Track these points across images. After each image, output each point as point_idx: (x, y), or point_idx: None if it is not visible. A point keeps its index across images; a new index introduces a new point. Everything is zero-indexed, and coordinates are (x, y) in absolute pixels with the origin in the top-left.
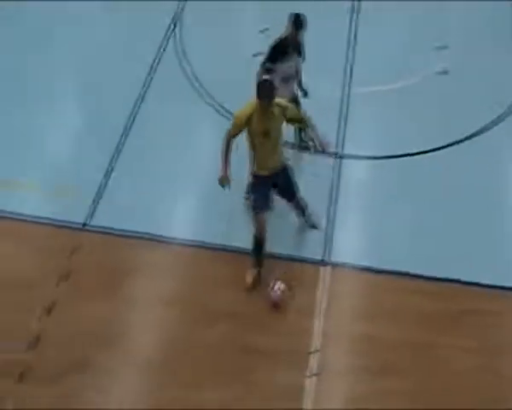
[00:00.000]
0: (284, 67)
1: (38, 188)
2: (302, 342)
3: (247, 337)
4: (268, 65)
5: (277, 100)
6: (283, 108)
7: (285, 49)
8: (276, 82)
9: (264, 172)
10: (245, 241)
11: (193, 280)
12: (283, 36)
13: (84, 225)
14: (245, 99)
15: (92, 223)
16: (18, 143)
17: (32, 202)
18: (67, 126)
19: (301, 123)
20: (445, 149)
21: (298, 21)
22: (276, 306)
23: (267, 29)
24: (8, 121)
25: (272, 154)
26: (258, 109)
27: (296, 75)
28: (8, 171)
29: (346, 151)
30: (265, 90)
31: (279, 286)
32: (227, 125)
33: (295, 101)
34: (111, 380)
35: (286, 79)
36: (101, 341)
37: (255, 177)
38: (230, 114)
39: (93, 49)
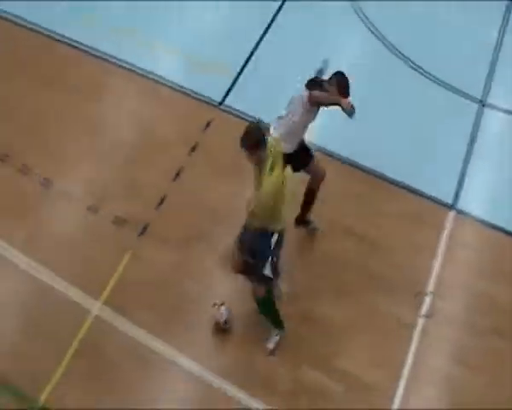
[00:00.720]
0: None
1: (187, 57)
2: (419, 280)
3: (369, 260)
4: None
5: (275, 164)
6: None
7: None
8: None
9: None
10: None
11: (327, 192)
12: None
13: (221, 103)
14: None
15: (228, 103)
16: (174, 10)
17: (180, 70)
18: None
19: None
20: None
21: (345, 89)
22: (218, 325)
23: None
24: None
25: None
26: None
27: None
28: (161, 35)
29: (490, 100)
30: (242, 137)
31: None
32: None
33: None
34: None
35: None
36: (220, 217)
37: None
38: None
39: None
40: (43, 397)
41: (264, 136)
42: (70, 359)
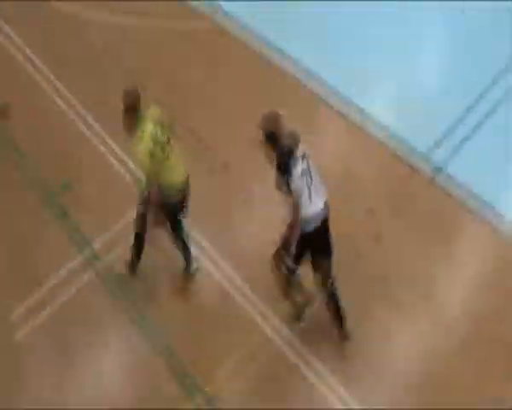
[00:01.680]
0: None
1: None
2: None
3: None
4: None
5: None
6: None
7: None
8: None
9: None
10: None
11: None
12: None
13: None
14: None
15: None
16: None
17: (384, 117)
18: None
19: None
20: None
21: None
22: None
23: None
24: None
25: None
26: None
27: None
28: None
29: None
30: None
31: None
32: None
33: None
34: None
35: None
36: None
37: None
38: None
39: None
40: None
41: (139, 101)
42: None
